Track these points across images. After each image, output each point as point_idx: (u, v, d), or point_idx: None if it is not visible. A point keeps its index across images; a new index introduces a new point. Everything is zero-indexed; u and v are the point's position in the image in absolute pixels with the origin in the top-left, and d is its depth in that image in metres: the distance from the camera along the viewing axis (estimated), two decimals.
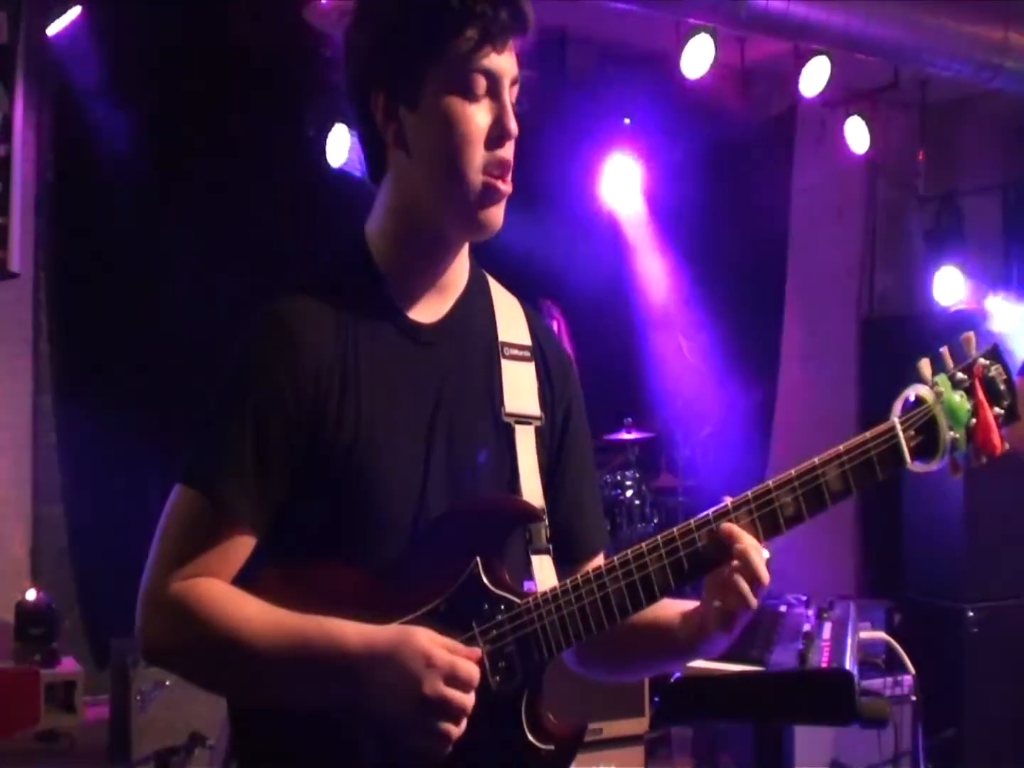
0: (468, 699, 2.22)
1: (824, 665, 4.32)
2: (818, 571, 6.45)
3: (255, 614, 2.26)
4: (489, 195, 2.38)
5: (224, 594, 2.29)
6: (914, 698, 6.74)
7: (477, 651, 2.27)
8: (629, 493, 8.28)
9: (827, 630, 4.76)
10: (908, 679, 6.83)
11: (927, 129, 9.79)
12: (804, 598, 5.31)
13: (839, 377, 10.58)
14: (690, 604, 2.46)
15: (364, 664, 2.22)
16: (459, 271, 2.54)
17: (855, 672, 4.26)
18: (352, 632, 2.24)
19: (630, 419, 8.50)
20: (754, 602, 2.30)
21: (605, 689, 5.55)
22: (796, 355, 10.59)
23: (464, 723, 2.22)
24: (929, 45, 8.59)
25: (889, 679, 6.67)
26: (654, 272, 9.82)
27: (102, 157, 7.61)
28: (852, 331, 11.05)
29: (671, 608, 2.49)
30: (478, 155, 2.36)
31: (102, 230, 7.70)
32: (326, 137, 8.15)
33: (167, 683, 6.32)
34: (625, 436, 8.45)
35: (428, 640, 2.23)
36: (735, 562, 2.30)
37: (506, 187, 2.40)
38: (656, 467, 8.83)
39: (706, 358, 9.43)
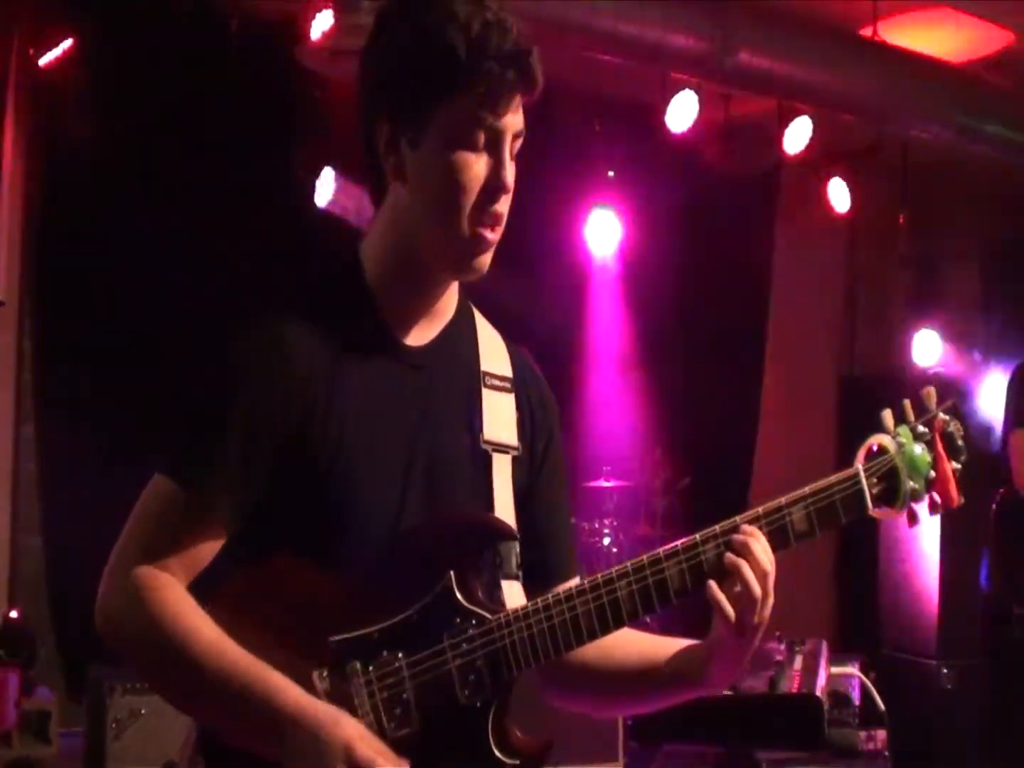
0: None
1: (794, 690, 4.34)
2: (793, 626, 6.44)
3: (207, 637, 2.27)
4: (477, 243, 2.41)
5: (179, 598, 2.30)
6: (887, 753, 6.74)
7: (405, 764, 2.25)
8: (607, 541, 8.29)
9: (798, 661, 4.79)
10: (882, 734, 6.82)
11: (908, 192, 9.87)
12: (777, 634, 5.34)
13: (817, 434, 10.59)
14: (692, 641, 2.51)
15: (286, 731, 2.21)
16: (449, 300, 2.57)
17: (824, 699, 4.29)
18: (289, 695, 2.24)
19: (608, 468, 8.52)
20: (760, 596, 2.35)
21: (578, 732, 5.52)
22: (775, 412, 10.64)
23: None
24: (910, 106, 8.72)
25: (863, 734, 6.66)
26: (634, 326, 9.87)
27: (91, 188, 7.62)
28: (831, 390, 11.14)
29: (676, 645, 2.55)
30: (471, 204, 2.39)
31: (90, 262, 7.72)
32: (315, 179, 8.20)
33: (143, 711, 6.29)
34: (604, 484, 8.47)
35: (356, 733, 2.22)
36: (746, 568, 2.35)
37: (494, 236, 2.43)
38: (635, 516, 8.84)
39: (685, 411, 9.48)
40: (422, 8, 2.42)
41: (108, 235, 7.63)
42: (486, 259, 2.45)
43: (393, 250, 2.49)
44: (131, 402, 7.60)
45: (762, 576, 2.35)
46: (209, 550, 2.35)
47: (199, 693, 2.28)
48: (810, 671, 4.61)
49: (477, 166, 2.38)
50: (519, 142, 2.44)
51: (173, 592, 2.30)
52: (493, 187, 2.39)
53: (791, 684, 4.41)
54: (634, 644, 2.57)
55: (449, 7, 2.37)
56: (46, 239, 7.85)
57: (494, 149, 2.40)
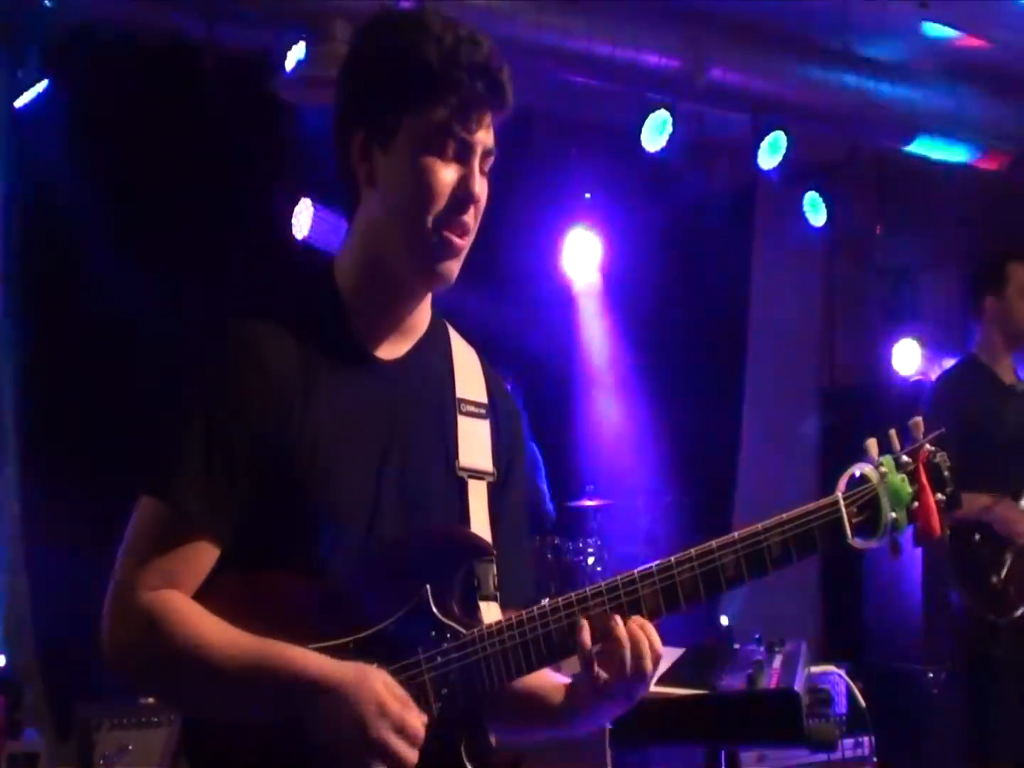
0: (412, 754, 2.27)
1: (772, 686, 4.37)
2: (778, 635, 6.48)
3: (216, 633, 2.32)
4: (444, 249, 2.45)
5: (187, 610, 2.34)
6: (876, 759, 6.76)
7: (424, 716, 2.32)
8: (591, 560, 8.28)
9: (777, 660, 4.82)
10: (868, 741, 6.83)
11: (884, 203, 9.91)
12: (756, 636, 5.37)
13: (800, 447, 10.59)
14: (566, 678, 2.54)
15: (316, 694, 2.27)
16: (421, 315, 2.61)
17: (803, 694, 4.31)
18: (310, 661, 2.30)
19: (592, 486, 8.55)
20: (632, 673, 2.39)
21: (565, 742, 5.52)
22: (757, 425, 10.62)
23: None
24: (882, 116, 8.77)
25: (850, 740, 6.66)
26: (615, 344, 9.91)
27: (69, 227, 7.62)
28: (812, 402, 11.09)
29: (552, 678, 2.58)
30: (438, 210, 2.42)
31: (68, 300, 7.70)
32: (292, 210, 8.23)
33: (130, 747, 6.29)
34: (587, 503, 8.49)
35: (384, 687, 2.28)
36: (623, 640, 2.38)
37: (461, 243, 2.46)
38: (618, 535, 8.84)
39: (667, 428, 9.51)
40: (398, 24, 2.49)
41: (87, 273, 7.60)
42: (453, 266, 2.48)
43: (365, 262, 2.53)
44: (114, 441, 7.59)
45: (637, 657, 2.38)
46: (205, 563, 2.39)
47: (223, 689, 2.32)
48: (789, 669, 4.64)
49: (445, 173, 2.42)
50: (490, 160, 2.49)
51: (176, 608, 2.33)
52: (461, 196, 2.44)
53: (770, 681, 4.44)
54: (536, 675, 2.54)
55: (424, 23, 2.43)
56: (25, 279, 7.80)
57: (463, 160, 2.44)
